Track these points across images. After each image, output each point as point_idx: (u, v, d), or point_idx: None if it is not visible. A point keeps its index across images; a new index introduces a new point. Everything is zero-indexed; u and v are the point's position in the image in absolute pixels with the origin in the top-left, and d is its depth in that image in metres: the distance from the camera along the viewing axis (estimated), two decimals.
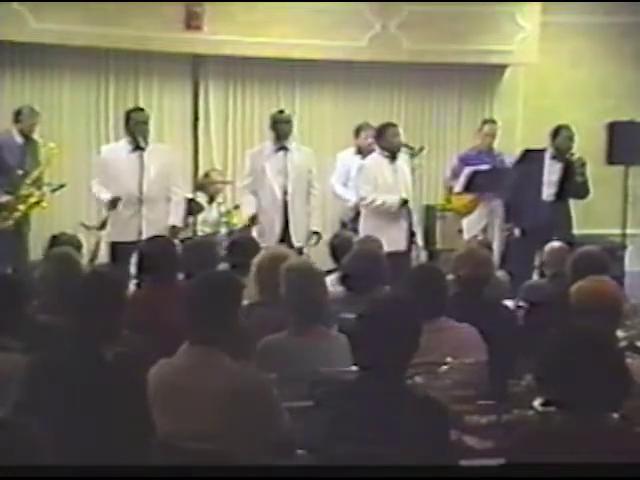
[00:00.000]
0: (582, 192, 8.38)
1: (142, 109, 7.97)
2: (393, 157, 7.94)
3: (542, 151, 8.44)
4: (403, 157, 7.99)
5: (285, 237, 7.74)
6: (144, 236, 7.03)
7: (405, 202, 7.82)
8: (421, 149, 8.14)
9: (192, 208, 8.23)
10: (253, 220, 7.85)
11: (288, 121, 7.97)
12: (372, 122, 9.08)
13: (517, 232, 8.41)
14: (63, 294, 4.11)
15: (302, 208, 7.88)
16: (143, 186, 7.30)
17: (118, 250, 7.36)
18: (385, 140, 7.95)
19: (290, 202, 7.83)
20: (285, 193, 7.84)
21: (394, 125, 8.19)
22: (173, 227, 7.49)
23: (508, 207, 8.59)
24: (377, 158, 7.97)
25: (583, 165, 8.25)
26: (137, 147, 7.36)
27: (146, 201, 7.34)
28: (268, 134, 8.07)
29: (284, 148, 7.86)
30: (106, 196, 7.39)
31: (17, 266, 7.78)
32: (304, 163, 7.91)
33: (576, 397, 2.82)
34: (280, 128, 7.89)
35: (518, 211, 8.45)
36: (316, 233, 7.95)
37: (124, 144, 7.55)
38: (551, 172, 8.32)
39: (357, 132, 9.02)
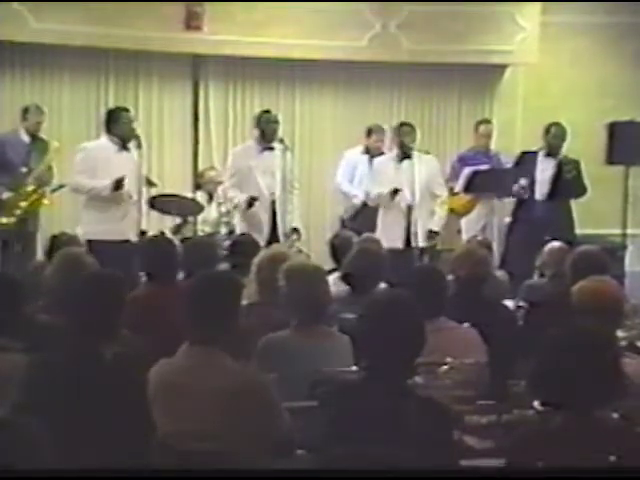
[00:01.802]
0: (576, 190, 8.36)
1: (129, 109, 7.94)
2: (403, 156, 7.98)
3: (537, 152, 8.47)
4: (420, 157, 8.01)
5: (273, 237, 7.74)
6: (141, 234, 7.06)
7: (396, 191, 7.84)
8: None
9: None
10: (252, 202, 7.84)
11: (276, 121, 8.01)
12: (372, 122, 9.12)
13: (524, 182, 8.37)
14: (65, 294, 4.11)
15: (287, 208, 7.89)
16: (142, 186, 7.31)
17: (104, 249, 7.21)
18: (397, 139, 8.09)
19: (277, 202, 7.85)
20: (272, 193, 7.86)
21: (406, 125, 8.25)
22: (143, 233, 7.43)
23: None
24: (387, 157, 8.19)
25: (571, 163, 8.24)
26: (124, 147, 7.35)
27: (140, 201, 7.34)
28: (254, 133, 8.10)
29: (270, 148, 7.88)
30: (105, 181, 7.22)
31: (21, 265, 7.77)
32: (287, 163, 7.92)
33: (571, 397, 2.82)
34: (268, 128, 7.92)
35: (513, 213, 8.50)
36: (295, 230, 7.97)
37: (107, 143, 7.44)
38: (544, 170, 8.35)
39: (368, 133, 9.02)
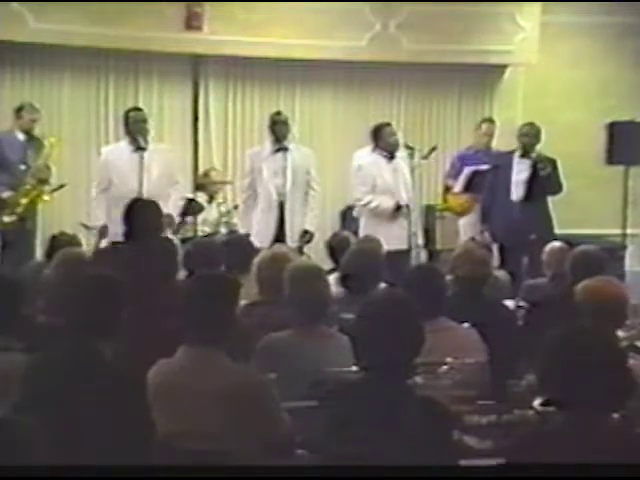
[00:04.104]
0: (551, 187, 8.30)
1: (140, 108, 7.98)
2: (391, 157, 7.94)
3: (511, 152, 8.46)
4: (402, 156, 7.97)
5: (280, 237, 7.73)
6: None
7: (399, 207, 7.81)
8: (433, 149, 8.09)
9: (190, 208, 8.21)
10: None
11: (285, 122, 7.98)
12: (371, 122, 9.09)
13: (487, 236, 8.36)
14: (65, 294, 4.10)
15: (299, 209, 7.88)
16: (143, 186, 7.29)
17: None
18: (382, 140, 7.96)
19: (286, 203, 7.84)
20: (280, 194, 7.84)
21: (389, 124, 8.21)
22: (167, 215, 7.48)
23: (483, 210, 8.57)
24: (375, 158, 7.97)
25: (544, 161, 8.20)
26: (138, 147, 7.36)
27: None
28: (267, 135, 8.09)
29: (282, 149, 7.87)
30: (97, 223, 7.46)
31: (20, 264, 7.76)
32: (302, 164, 7.91)
33: (576, 397, 2.81)
34: (277, 129, 7.91)
35: (490, 214, 8.44)
36: (307, 232, 7.95)
37: (125, 145, 7.55)
38: (519, 171, 8.31)
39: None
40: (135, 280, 4.27)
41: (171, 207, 7.53)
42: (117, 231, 7.42)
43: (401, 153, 7.97)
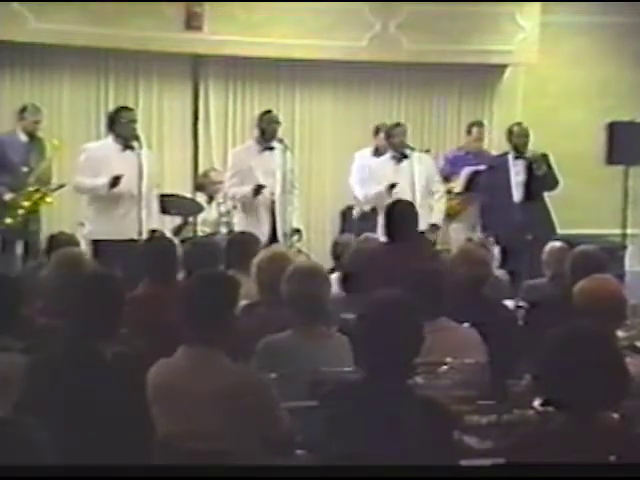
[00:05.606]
0: (547, 184, 8.34)
1: (132, 108, 7.93)
2: (400, 158, 7.97)
3: (505, 154, 8.47)
4: (417, 156, 8.00)
5: (273, 237, 7.73)
6: (141, 234, 7.03)
7: (393, 185, 7.81)
8: (426, 151, 8.18)
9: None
10: (259, 189, 7.78)
11: (277, 121, 8.00)
12: (371, 123, 9.11)
13: (491, 241, 8.37)
14: (63, 294, 4.11)
15: (287, 208, 7.87)
16: (143, 185, 7.26)
17: (107, 248, 7.22)
18: (389, 141, 8.06)
19: (277, 202, 7.84)
20: (272, 193, 7.84)
21: (397, 125, 8.26)
22: (154, 231, 7.43)
23: (482, 213, 8.57)
24: (384, 160, 8.08)
25: (539, 159, 8.21)
26: (127, 146, 7.32)
27: (144, 199, 7.29)
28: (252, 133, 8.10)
29: (270, 148, 7.87)
30: (104, 179, 7.22)
31: (21, 266, 7.77)
32: (288, 163, 7.90)
33: (575, 397, 2.81)
34: (269, 128, 7.90)
35: (491, 217, 8.45)
36: (298, 231, 7.95)
37: (112, 143, 7.42)
38: (517, 173, 8.35)
39: (376, 132, 9.01)
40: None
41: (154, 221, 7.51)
42: (100, 229, 7.38)
43: (415, 153, 8.04)
